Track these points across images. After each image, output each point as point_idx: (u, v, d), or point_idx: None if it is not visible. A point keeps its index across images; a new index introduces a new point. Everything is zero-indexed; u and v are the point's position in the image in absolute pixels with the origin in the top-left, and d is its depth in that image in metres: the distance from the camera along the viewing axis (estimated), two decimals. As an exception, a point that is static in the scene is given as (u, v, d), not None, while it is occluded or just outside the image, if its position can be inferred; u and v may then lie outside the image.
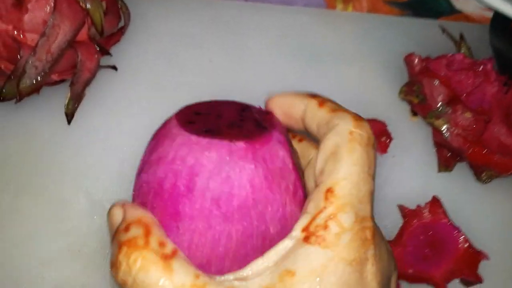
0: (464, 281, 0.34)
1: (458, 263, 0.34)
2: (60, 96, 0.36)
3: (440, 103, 0.37)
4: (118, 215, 0.24)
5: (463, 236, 0.34)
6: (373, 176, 0.23)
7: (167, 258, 0.21)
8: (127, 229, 0.22)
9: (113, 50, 0.39)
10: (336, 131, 0.23)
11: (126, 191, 0.36)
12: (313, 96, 0.26)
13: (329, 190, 0.22)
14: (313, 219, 0.22)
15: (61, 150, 0.37)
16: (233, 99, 0.41)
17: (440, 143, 0.38)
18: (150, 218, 0.23)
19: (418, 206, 0.36)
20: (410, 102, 0.39)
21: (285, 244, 0.22)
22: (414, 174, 0.38)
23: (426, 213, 0.36)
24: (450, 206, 0.36)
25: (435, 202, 0.36)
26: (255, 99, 0.42)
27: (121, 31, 0.38)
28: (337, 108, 0.25)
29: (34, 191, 0.36)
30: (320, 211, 0.22)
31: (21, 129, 0.37)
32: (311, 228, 0.22)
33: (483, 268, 0.34)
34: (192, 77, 0.42)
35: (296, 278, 0.21)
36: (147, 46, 0.42)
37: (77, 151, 0.37)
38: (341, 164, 0.22)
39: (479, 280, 0.33)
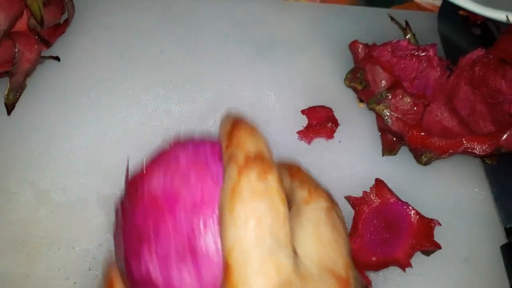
0: (424, 252, 0.35)
1: (416, 236, 0.34)
2: (1, 87, 0.36)
3: (382, 89, 0.37)
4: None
5: (413, 210, 0.35)
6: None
7: None
8: None
9: (59, 41, 0.39)
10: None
11: (72, 180, 0.37)
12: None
13: (225, 263, 0.20)
14: None
15: (3, 142, 0.37)
16: (184, 89, 0.41)
17: (383, 128, 0.39)
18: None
19: (364, 192, 0.36)
20: (354, 89, 0.40)
21: None
22: (360, 159, 0.39)
23: (373, 197, 0.36)
24: (395, 189, 0.37)
25: (379, 184, 0.36)
26: (206, 90, 0.42)
27: (66, 22, 0.38)
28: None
29: (-22, 183, 0.36)
30: None
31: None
32: None
33: (437, 236, 0.35)
34: (143, 68, 0.42)
35: None
36: (96, 38, 0.42)
37: (22, 142, 0.37)
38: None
39: (437, 246, 0.34)
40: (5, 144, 0.37)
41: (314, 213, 0.22)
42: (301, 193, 0.23)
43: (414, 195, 0.37)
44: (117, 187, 0.36)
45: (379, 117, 0.38)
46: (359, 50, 0.40)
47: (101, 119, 0.39)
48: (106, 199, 0.36)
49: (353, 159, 0.39)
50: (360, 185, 0.37)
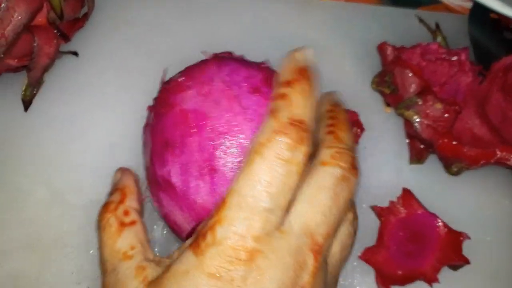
0: (452, 266, 0.33)
1: (443, 250, 0.33)
2: (19, 82, 0.35)
3: (411, 93, 0.36)
4: (115, 178, 0.30)
5: (441, 222, 0.34)
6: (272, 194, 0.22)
7: (122, 225, 0.26)
8: (112, 192, 0.29)
9: (77, 36, 0.38)
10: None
11: (87, 180, 0.35)
12: None
13: (223, 199, 0.22)
14: (203, 225, 0.23)
15: (19, 138, 0.36)
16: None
17: (412, 135, 0.37)
18: (132, 188, 0.29)
19: (391, 201, 0.35)
20: (382, 93, 0.38)
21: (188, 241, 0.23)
22: (386, 166, 0.37)
23: (400, 208, 0.35)
24: (422, 199, 0.35)
25: (407, 194, 0.35)
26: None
27: (85, 17, 0.37)
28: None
29: (-9, 180, 0.35)
30: (208, 219, 0.22)
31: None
32: (197, 233, 0.22)
33: (466, 250, 0.33)
34: (161, 64, 0.41)
35: (165, 275, 0.22)
36: (114, 33, 0.41)
37: (37, 139, 0.36)
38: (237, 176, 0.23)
39: (465, 261, 0.33)
40: (20, 141, 0.36)
41: (324, 177, 0.23)
42: (325, 153, 0.24)
43: (442, 206, 0.35)
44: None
45: (408, 123, 0.36)
46: (388, 52, 0.38)
47: (119, 116, 0.38)
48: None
49: (378, 166, 0.37)
50: (385, 194, 0.36)
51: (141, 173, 0.35)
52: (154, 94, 0.40)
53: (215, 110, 0.28)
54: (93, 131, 0.37)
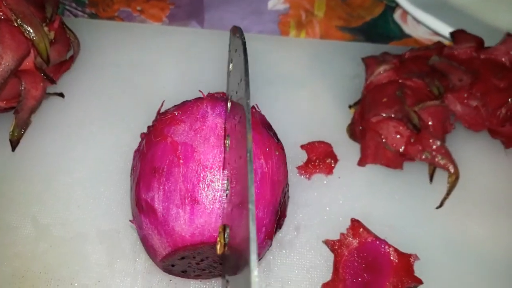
0: None
1: (397, 274, 0.34)
2: (6, 123, 0.37)
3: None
4: None
5: (391, 248, 0.35)
6: None
7: None
8: None
9: (63, 77, 0.40)
10: None
11: (73, 214, 0.37)
12: None
13: None
14: None
15: (7, 177, 0.37)
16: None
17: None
18: None
19: (342, 234, 0.36)
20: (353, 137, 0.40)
21: None
22: (359, 195, 0.39)
23: (351, 239, 0.35)
24: (396, 224, 0.37)
25: (355, 224, 0.36)
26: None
27: (71, 59, 0.39)
28: None
29: (-20, 218, 0.36)
30: None
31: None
32: None
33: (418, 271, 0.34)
34: (145, 103, 0.43)
35: None
36: (99, 73, 0.43)
37: (24, 176, 0.38)
38: None
39: (419, 281, 0.34)
40: (8, 179, 0.37)
41: None
42: None
43: (417, 229, 0.37)
44: (117, 221, 0.36)
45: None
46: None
47: (103, 153, 0.40)
48: (105, 234, 0.36)
49: (352, 195, 0.39)
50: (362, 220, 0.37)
51: (126, 202, 0.37)
52: (139, 130, 0.42)
53: (203, 146, 0.30)
54: (78, 167, 0.39)
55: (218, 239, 0.28)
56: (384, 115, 0.37)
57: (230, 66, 0.34)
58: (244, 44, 0.31)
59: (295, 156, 0.40)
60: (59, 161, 0.39)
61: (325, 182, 0.39)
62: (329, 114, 0.43)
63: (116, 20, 0.49)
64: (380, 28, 0.51)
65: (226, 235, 0.28)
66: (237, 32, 0.32)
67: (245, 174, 0.26)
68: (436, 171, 0.39)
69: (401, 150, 0.37)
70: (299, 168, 0.39)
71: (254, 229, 0.23)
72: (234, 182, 0.28)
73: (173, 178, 0.30)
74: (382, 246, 0.35)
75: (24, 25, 0.33)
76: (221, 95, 0.36)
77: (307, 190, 0.39)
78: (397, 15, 0.52)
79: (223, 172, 0.29)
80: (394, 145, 0.37)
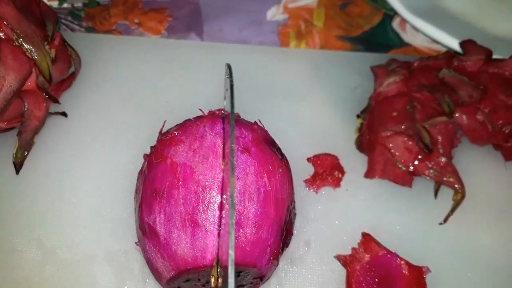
0: None
1: (409, 287, 0.34)
2: (8, 144, 0.36)
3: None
4: None
5: (403, 261, 0.35)
6: None
7: None
8: None
9: (64, 95, 0.39)
10: None
11: (79, 236, 0.36)
12: None
13: None
14: None
15: (11, 198, 0.36)
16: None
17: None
18: None
19: (353, 248, 0.36)
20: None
21: None
22: (367, 208, 0.39)
23: (362, 253, 0.35)
24: (406, 237, 0.37)
25: (366, 238, 0.36)
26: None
27: (72, 76, 0.39)
28: None
29: (-16, 242, 0.35)
30: None
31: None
32: None
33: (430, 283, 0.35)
34: (148, 118, 0.42)
35: None
36: (99, 89, 0.43)
37: (29, 198, 0.37)
38: None
39: None
40: (12, 201, 0.36)
41: None
42: None
43: (426, 241, 0.37)
44: (125, 242, 0.36)
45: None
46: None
47: (107, 171, 0.39)
48: (113, 255, 0.35)
49: (360, 208, 0.39)
50: (371, 233, 0.37)
51: (133, 221, 0.36)
52: (142, 147, 0.41)
53: (202, 165, 0.30)
54: (81, 187, 0.38)
55: (212, 272, 0.27)
56: (394, 130, 0.37)
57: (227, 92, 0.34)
58: (231, 86, 0.31)
59: (302, 169, 0.40)
60: (62, 181, 0.38)
61: (333, 195, 0.39)
62: (333, 125, 0.43)
63: (114, 33, 0.49)
64: (379, 37, 0.51)
65: (219, 268, 0.27)
66: (227, 71, 0.32)
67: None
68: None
69: (410, 168, 0.37)
70: (306, 181, 0.39)
71: (233, 268, 0.24)
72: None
73: (174, 201, 0.29)
74: (394, 259, 0.35)
75: (26, 44, 0.33)
76: (222, 111, 0.36)
77: (315, 204, 0.38)
78: (395, 24, 0.52)
79: (221, 192, 0.29)
80: (403, 161, 0.37)
